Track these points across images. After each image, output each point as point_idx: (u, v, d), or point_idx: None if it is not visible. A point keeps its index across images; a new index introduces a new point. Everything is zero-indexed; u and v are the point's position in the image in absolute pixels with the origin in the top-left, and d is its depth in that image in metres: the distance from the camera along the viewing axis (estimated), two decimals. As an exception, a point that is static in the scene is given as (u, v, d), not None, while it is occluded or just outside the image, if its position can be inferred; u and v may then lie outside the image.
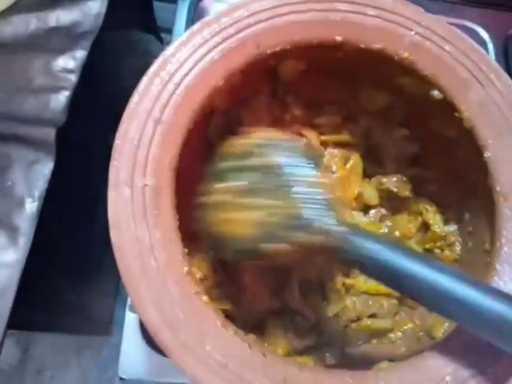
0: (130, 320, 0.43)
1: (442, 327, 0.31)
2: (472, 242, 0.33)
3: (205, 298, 0.24)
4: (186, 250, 0.25)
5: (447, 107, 0.30)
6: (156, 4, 0.70)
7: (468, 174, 0.33)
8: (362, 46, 0.30)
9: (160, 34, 0.73)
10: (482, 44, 0.55)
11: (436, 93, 0.30)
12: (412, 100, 0.33)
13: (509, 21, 0.56)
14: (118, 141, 0.25)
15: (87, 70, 0.46)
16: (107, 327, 0.89)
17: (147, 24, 0.71)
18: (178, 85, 0.27)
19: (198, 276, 0.32)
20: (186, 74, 0.27)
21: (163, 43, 0.73)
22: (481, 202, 0.32)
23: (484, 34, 0.56)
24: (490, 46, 0.55)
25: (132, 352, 0.42)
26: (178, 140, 0.26)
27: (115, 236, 0.23)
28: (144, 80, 0.26)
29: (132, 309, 0.43)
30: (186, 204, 0.27)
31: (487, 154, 0.29)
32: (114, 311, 0.89)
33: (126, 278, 0.23)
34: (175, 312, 0.23)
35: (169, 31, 0.71)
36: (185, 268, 0.24)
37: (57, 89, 0.44)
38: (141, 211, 0.24)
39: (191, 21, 0.53)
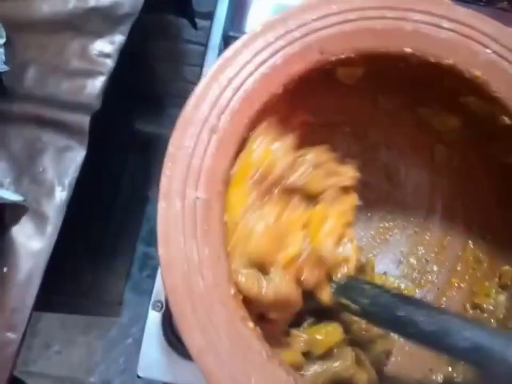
0: (152, 318, 0.42)
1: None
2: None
3: (250, 324, 0.23)
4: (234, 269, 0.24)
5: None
6: (192, -14, 0.68)
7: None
8: (432, 60, 0.28)
9: (195, 19, 0.70)
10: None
11: (505, 118, 0.28)
12: (476, 121, 0.31)
13: None
14: (171, 149, 0.23)
15: (123, 54, 0.45)
16: (116, 308, 0.89)
17: (182, 8, 0.69)
18: (237, 90, 0.25)
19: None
20: (246, 79, 0.25)
21: (197, 29, 0.71)
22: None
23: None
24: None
25: (152, 351, 0.41)
26: (232, 150, 0.25)
27: (164, 252, 0.22)
28: (202, 83, 0.25)
29: (155, 308, 0.42)
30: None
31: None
32: (124, 293, 0.90)
33: (173, 299, 0.22)
34: (220, 339, 0.22)
35: (205, 16, 0.69)
36: (232, 290, 0.23)
37: (93, 74, 0.42)
38: (191, 226, 0.23)
39: (233, 6, 0.50)
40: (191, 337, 0.21)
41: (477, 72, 0.28)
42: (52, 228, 0.39)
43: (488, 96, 0.28)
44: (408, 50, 0.28)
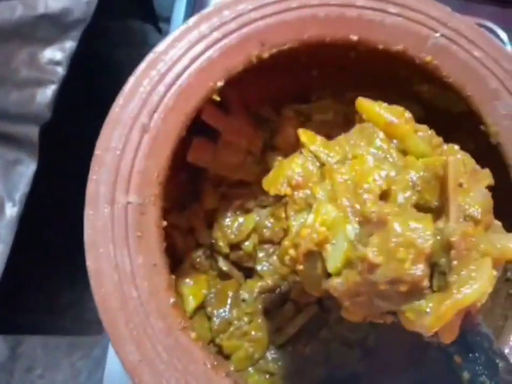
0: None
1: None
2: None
3: (193, 334, 0.21)
4: (174, 277, 0.22)
5: (472, 119, 0.27)
6: (154, -8, 0.67)
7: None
8: (380, 46, 0.27)
9: (159, 24, 0.69)
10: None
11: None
12: (431, 110, 0.30)
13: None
14: (98, 151, 0.22)
15: (81, 60, 0.43)
16: (97, 326, 0.87)
17: (146, 13, 0.68)
18: (170, 86, 0.23)
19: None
20: (180, 75, 0.24)
21: (161, 33, 0.70)
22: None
23: (503, 34, 0.52)
24: (509, 47, 0.51)
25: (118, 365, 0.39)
26: (168, 149, 0.23)
27: (91, 261, 0.20)
28: (131, 80, 0.23)
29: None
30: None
31: (516, 173, 0.26)
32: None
33: (103, 312, 0.20)
34: (157, 351, 0.20)
35: (169, 20, 0.68)
36: (172, 299, 0.21)
37: (43, 83, 0.41)
38: (122, 233, 0.21)
39: (191, 10, 0.49)
40: (125, 351, 0.20)
41: (428, 58, 0.27)
42: (3, 246, 0.37)
43: (440, 82, 0.27)
44: (354, 37, 0.27)
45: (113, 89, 0.31)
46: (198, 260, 0.34)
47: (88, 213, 0.21)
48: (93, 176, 0.21)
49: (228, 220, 0.34)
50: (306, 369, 0.33)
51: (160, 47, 0.24)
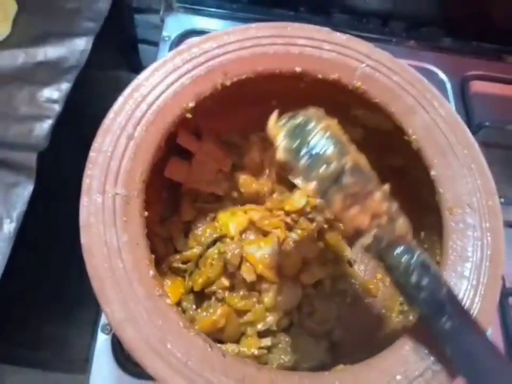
0: (101, 342, 0.43)
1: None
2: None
3: (168, 300, 0.26)
4: (153, 256, 0.27)
5: (397, 134, 0.34)
6: (141, 46, 0.75)
7: (419, 193, 0.36)
8: (320, 76, 0.33)
9: (144, 74, 0.77)
10: (442, 84, 0.60)
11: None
12: (368, 131, 0.36)
13: (465, 64, 0.62)
14: (92, 153, 0.27)
15: (72, 102, 0.49)
16: (83, 365, 0.86)
17: (132, 64, 0.75)
18: (150, 105, 0.29)
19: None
20: (159, 96, 0.30)
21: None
22: (433, 218, 0.34)
23: (443, 75, 0.61)
24: (449, 86, 0.60)
25: (102, 374, 0.42)
26: (149, 155, 0.29)
27: (85, 238, 0.25)
28: (119, 100, 0.29)
29: (104, 330, 0.43)
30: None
31: (433, 172, 0.32)
32: (91, 348, 0.87)
33: (94, 278, 0.25)
34: (139, 311, 0.25)
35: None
36: (151, 272, 0.26)
37: (41, 118, 0.47)
38: (110, 217, 0.26)
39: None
40: (111, 309, 0.24)
41: (358, 83, 0.33)
42: (1, 257, 0.41)
43: (370, 103, 0.34)
44: (298, 69, 0.33)
45: None
46: (174, 264, 0.38)
47: (84, 200, 0.26)
48: (87, 172, 0.27)
49: (200, 229, 0.39)
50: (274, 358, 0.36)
51: (143, 75, 0.30)
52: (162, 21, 0.60)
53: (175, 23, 0.60)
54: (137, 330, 0.24)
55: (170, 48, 0.58)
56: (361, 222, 0.26)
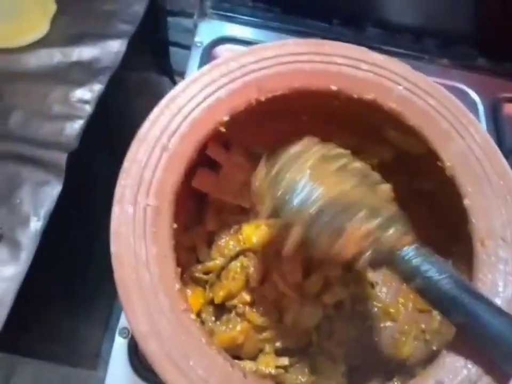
0: (118, 346, 0.43)
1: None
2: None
3: (192, 316, 0.26)
4: (180, 269, 0.27)
5: (429, 159, 0.33)
6: (172, 49, 0.76)
7: (449, 221, 0.35)
8: (355, 96, 0.33)
9: (174, 77, 0.78)
10: (473, 105, 0.59)
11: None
12: (398, 153, 0.36)
13: (498, 85, 0.60)
14: (126, 163, 0.27)
15: (103, 103, 0.50)
16: (93, 361, 0.87)
17: (163, 67, 0.76)
18: (186, 117, 0.29)
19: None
20: (194, 109, 0.30)
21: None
22: (462, 247, 0.33)
23: (475, 96, 0.60)
24: (481, 107, 0.59)
25: (117, 380, 0.42)
26: (181, 166, 0.29)
27: (115, 247, 0.25)
28: (155, 110, 0.29)
29: (122, 334, 0.43)
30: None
31: (466, 201, 0.31)
32: (102, 345, 0.88)
33: (121, 287, 0.25)
34: (163, 324, 0.25)
35: (183, 74, 0.76)
36: (177, 285, 0.26)
37: (72, 118, 0.47)
38: (141, 228, 0.26)
39: (202, 67, 0.56)
40: (137, 321, 0.24)
41: (393, 105, 0.33)
42: (26, 255, 0.41)
43: (404, 126, 0.33)
44: (334, 88, 0.33)
45: (129, 133, 0.37)
46: (196, 273, 0.38)
47: (115, 210, 0.26)
48: (121, 182, 0.27)
49: (223, 240, 0.39)
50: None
51: (180, 86, 0.30)
52: (196, 26, 0.61)
53: (208, 29, 0.60)
54: (161, 344, 0.24)
55: (202, 54, 0.58)
56: (349, 252, 0.26)
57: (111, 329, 0.88)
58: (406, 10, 0.64)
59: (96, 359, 0.87)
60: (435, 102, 0.32)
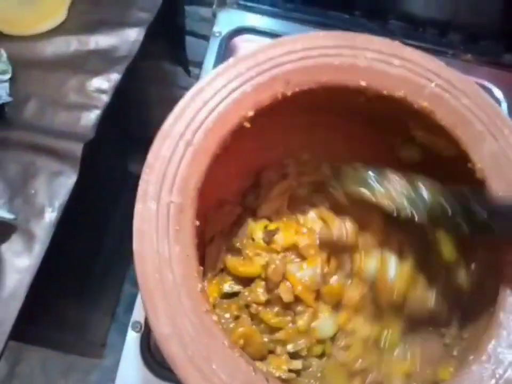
0: (131, 339, 0.43)
1: (447, 370, 0.31)
2: (477, 292, 0.34)
3: (214, 317, 0.25)
4: (202, 268, 0.26)
5: (459, 162, 0.32)
6: (188, 38, 0.74)
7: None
8: (385, 92, 0.32)
9: (188, 67, 0.76)
10: (496, 102, 0.57)
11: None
12: (424, 153, 0.35)
13: (523, 83, 0.59)
14: (150, 158, 0.26)
15: (119, 94, 0.49)
16: (99, 349, 0.87)
17: (178, 57, 0.75)
18: (211, 111, 0.28)
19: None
20: (220, 103, 0.29)
21: (190, 76, 0.77)
22: (488, 251, 0.33)
23: (499, 93, 0.58)
24: (504, 105, 0.57)
25: (129, 374, 0.41)
26: (205, 162, 0.28)
27: (138, 245, 0.25)
28: (180, 104, 0.28)
29: (134, 328, 0.43)
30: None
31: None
32: (109, 334, 0.88)
33: (143, 288, 0.24)
34: (186, 326, 0.24)
35: (198, 64, 0.74)
36: (199, 285, 0.25)
37: (89, 107, 0.47)
38: (164, 225, 0.25)
39: (220, 57, 0.55)
40: (159, 323, 0.23)
41: (424, 103, 0.32)
42: (40, 246, 0.41)
43: (434, 125, 0.32)
44: (363, 83, 0.32)
45: (143, 121, 0.36)
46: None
47: (138, 206, 0.25)
48: (144, 177, 0.26)
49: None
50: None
51: (205, 79, 0.29)
52: (214, 15, 0.59)
53: (227, 19, 0.59)
54: (183, 347, 0.23)
55: (221, 44, 0.57)
56: None
57: (117, 319, 0.88)
58: (430, 3, 0.62)
59: (102, 348, 0.88)
60: (469, 101, 0.31)
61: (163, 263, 0.25)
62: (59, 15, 0.50)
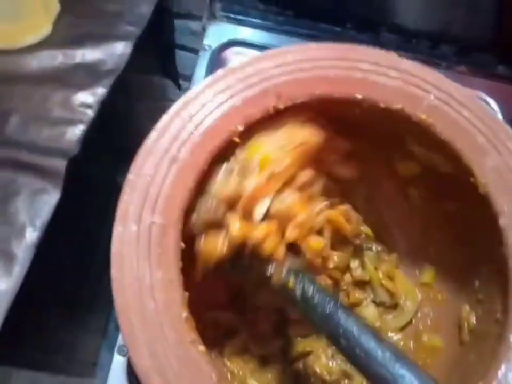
0: (117, 363, 0.41)
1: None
2: (481, 311, 0.32)
3: (201, 348, 0.23)
4: (187, 294, 0.24)
5: (459, 175, 0.30)
6: (177, 52, 0.73)
7: (478, 240, 0.32)
8: (382, 105, 0.30)
9: (179, 80, 0.75)
10: (492, 114, 0.56)
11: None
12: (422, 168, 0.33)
13: (519, 94, 0.58)
14: (131, 176, 0.25)
15: (105, 109, 0.47)
16: (91, 369, 0.84)
17: (168, 70, 0.74)
18: (197, 126, 0.27)
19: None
20: (207, 116, 0.27)
21: (180, 89, 0.75)
22: (493, 269, 0.31)
23: (494, 105, 0.57)
24: (499, 116, 0.56)
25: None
26: (191, 180, 0.26)
27: (116, 271, 0.23)
28: (165, 118, 0.27)
29: (120, 352, 0.41)
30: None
31: (502, 221, 0.28)
32: (100, 353, 0.85)
33: (122, 316, 0.22)
34: (168, 360, 0.22)
35: (188, 78, 0.73)
36: (184, 313, 0.23)
37: (73, 122, 0.45)
38: (145, 249, 0.23)
39: (210, 70, 0.54)
40: (139, 356, 0.21)
41: (423, 116, 0.30)
42: (20, 268, 0.39)
43: (434, 139, 0.30)
44: (359, 96, 0.30)
45: (132, 137, 0.34)
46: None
47: (117, 228, 0.23)
48: (124, 197, 0.24)
49: None
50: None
51: (192, 92, 0.27)
52: (204, 28, 0.58)
53: (217, 32, 0.58)
54: (165, 382, 0.21)
55: (211, 58, 0.55)
56: None
57: (108, 337, 0.85)
58: (423, 15, 0.62)
59: (94, 367, 0.84)
60: (469, 114, 0.29)
61: (144, 289, 0.23)
62: (44, 29, 0.48)
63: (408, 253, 0.40)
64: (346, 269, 0.38)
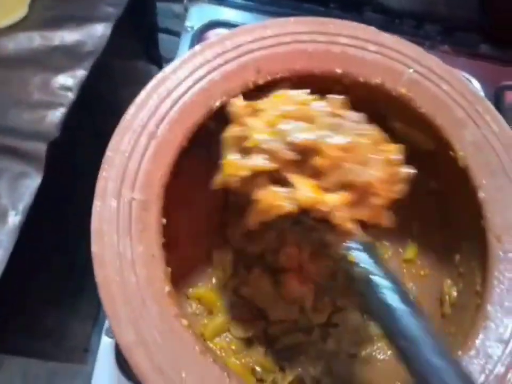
0: (105, 345, 0.41)
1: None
2: (462, 284, 0.32)
3: (184, 321, 0.23)
4: (169, 269, 0.24)
5: (440, 151, 0.31)
6: (161, 35, 0.72)
7: (459, 215, 0.33)
8: (361, 79, 0.30)
9: (162, 65, 0.74)
10: (475, 93, 0.56)
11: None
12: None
13: (501, 73, 0.58)
14: (109, 153, 0.24)
15: (87, 91, 0.46)
16: (82, 355, 0.84)
17: (151, 54, 0.73)
18: (176, 101, 0.26)
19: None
20: (185, 92, 0.27)
21: (164, 73, 0.74)
22: (473, 243, 0.31)
23: (477, 84, 0.57)
24: (482, 95, 0.56)
25: (105, 380, 0.40)
26: (171, 156, 0.26)
27: (96, 247, 0.22)
28: (142, 94, 0.26)
29: (108, 334, 0.41)
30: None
31: (481, 194, 0.29)
32: (91, 339, 0.85)
33: (104, 292, 0.22)
34: (151, 333, 0.22)
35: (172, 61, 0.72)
36: (167, 288, 0.23)
37: (54, 105, 0.44)
38: (125, 224, 0.23)
39: (194, 50, 0.53)
40: (121, 330, 0.21)
41: (403, 90, 0.30)
42: (3, 252, 0.38)
43: (414, 113, 0.30)
44: (338, 70, 0.30)
45: (116, 122, 0.34)
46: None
47: (96, 204, 0.23)
48: (103, 173, 0.24)
49: None
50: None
51: (169, 68, 0.27)
52: (186, 10, 0.57)
53: (199, 13, 0.57)
54: (148, 356, 0.22)
55: (193, 39, 0.55)
56: None
57: (100, 323, 0.85)
58: (406, -6, 0.61)
59: (85, 354, 0.84)
60: (449, 88, 0.30)
61: (125, 265, 0.23)
62: (20, 11, 0.47)
63: (391, 230, 0.41)
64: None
